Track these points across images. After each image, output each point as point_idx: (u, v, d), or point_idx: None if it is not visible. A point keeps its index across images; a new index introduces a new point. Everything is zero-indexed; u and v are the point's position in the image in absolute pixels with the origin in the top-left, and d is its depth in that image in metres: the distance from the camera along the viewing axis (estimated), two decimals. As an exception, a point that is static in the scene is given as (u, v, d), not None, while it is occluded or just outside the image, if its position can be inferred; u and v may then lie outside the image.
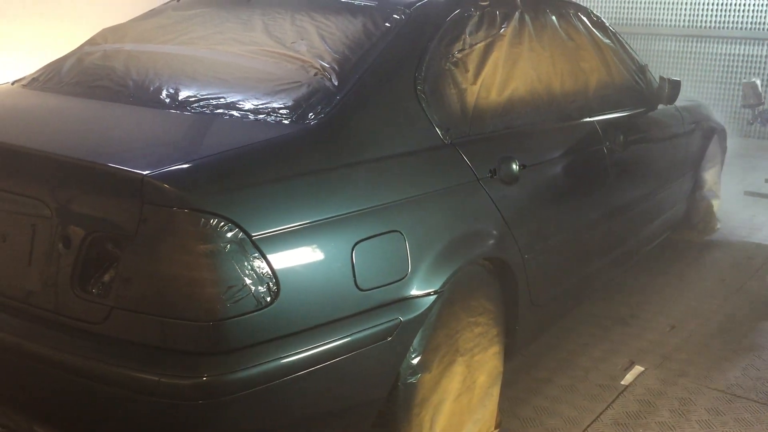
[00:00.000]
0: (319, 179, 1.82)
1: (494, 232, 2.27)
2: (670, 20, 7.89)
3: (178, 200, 1.59)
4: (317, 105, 1.99)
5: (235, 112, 2.01)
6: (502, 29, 2.60)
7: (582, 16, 3.21)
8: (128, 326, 1.63)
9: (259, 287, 1.62)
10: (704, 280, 4.04)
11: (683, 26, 7.83)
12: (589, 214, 2.93)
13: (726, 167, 4.80)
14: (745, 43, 7.53)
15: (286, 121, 1.95)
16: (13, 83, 2.59)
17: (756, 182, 5.88)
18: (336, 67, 2.11)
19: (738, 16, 7.53)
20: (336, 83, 2.06)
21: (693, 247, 4.50)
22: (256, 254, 1.62)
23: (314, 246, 1.73)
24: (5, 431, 1.97)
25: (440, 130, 2.19)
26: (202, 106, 2.06)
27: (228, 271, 1.59)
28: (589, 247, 3.00)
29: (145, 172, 1.61)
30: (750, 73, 7.49)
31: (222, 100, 2.07)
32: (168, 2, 2.90)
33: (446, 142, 2.20)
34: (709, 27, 7.69)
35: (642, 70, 3.53)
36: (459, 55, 2.38)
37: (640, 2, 8.03)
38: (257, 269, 1.62)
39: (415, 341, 1.97)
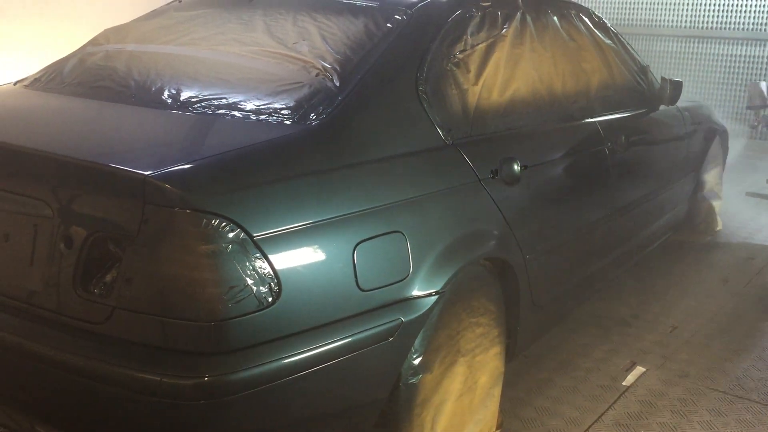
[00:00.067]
0: (321, 180, 1.82)
1: (496, 232, 2.27)
2: (672, 21, 7.89)
3: (180, 200, 1.59)
4: (319, 105, 1.99)
5: (236, 113, 2.01)
6: (504, 30, 2.60)
7: (583, 17, 3.21)
8: (130, 326, 1.63)
9: (261, 287, 1.62)
10: (706, 281, 4.04)
11: (685, 27, 7.83)
12: (590, 214, 2.93)
13: (727, 168, 4.80)
14: (746, 44, 7.53)
15: (287, 122, 1.95)
16: (15, 83, 2.60)
17: (757, 183, 5.87)
18: (338, 68, 2.11)
19: (740, 17, 7.53)
20: (337, 84, 2.06)
21: (694, 248, 4.50)
22: (258, 254, 1.62)
23: (316, 246, 1.73)
24: (7, 431, 1.97)
25: (442, 131, 2.19)
26: (204, 107, 2.06)
27: (229, 272, 1.59)
28: (591, 248, 3.00)
29: (146, 173, 1.61)
30: (751, 74, 7.48)
31: (224, 100, 2.07)
32: (170, 3, 2.91)
33: (448, 142, 2.20)
34: (711, 28, 7.69)
35: (643, 70, 3.53)
36: (460, 56, 2.38)
37: (642, 3, 8.02)
38: (259, 269, 1.62)
39: (417, 342, 1.97)
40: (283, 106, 2.00)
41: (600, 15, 3.39)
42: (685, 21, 7.82)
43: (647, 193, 3.44)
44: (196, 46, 2.43)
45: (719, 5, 7.60)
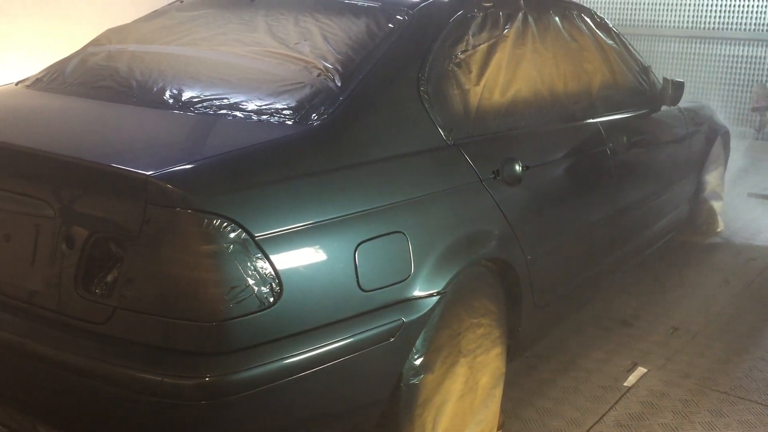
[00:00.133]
0: (322, 180, 1.82)
1: (497, 233, 2.27)
2: (674, 21, 7.88)
3: (182, 201, 1.59)
4: (320, 106, 1.99)
5: (238, 113, 2.01)
6: (506, 30, 2.60)
7: (585, 17, 3.21)
8: (131, 326, 1.63)
9: (262, 288, 1.62)
10: (707, 282, 4.03)
11: (687, 27, 7.82)
12: (592, 215, 2.92)
13: (729, 169, 4.79)
14: (748, 45, 7.52)
15: (289, 122, 1.95)
16: (17, 84, 2.60)
17: (759, 184, 5.88)
18: (339, 68, 2.11)
19: (742, 18, 7.52)
20: (339, 84, 2.06)
21: (696, 249, 4.49)
22: (259, 255, 1.62)
23: (317, 247, 1.73)
24: (8, 431, 1.97)
25: (443, 131, 2.19)
26: (206, 107, 2.06)
27: (231, 272, 1.59)
28: (592, 249, 3.00)
29: (148, 173, 1.61)
30: (753, 75, 7.48)
31: (225, 100, 2.07)
32: (171, 3, 2.91)
33: (449, 143, 2.20)
34: (713, 28, 7.68)
35: (645, 71, 3.53)
36: (462, 56, 2.38)
37: (644, 3, 8.02)
38: (260, 270, 1.62)
39: (418, 342, 1.97)
40: (285, 107, 2.00)
41: (602, 15, 3.39)
42: (687, 21, 7.82)
43: (649, 194, 3.44)
44: (198, 47, 2.43)
45: (721, 6, 7.60)
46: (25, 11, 5.00)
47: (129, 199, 1.63)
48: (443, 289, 1.99)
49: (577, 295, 3.01)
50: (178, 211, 1.59)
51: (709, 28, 7.71)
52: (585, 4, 3.52)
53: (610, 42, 3.31)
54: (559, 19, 2.98)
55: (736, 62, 7.62)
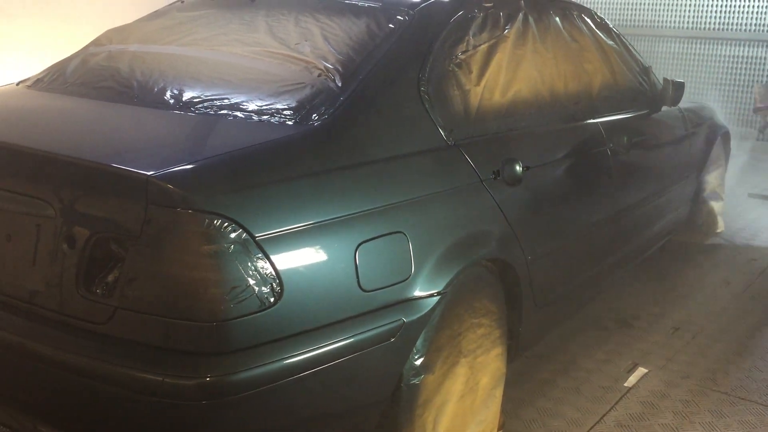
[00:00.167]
0: (323, 180, 1.82)
1: (497, 233, 2.27)
2: (674, 22, 7.89)
3: (183, 201, 1.59)
4: (321, 106, 1.99)
5: (239, 113, 2.01)
6: (506, 31, 2.60)
7: (586, 18, 3.21)
8: (132, 326, 1.63)
9: (263, 288, 1.62)
10: (707, 282, 4.03)
11: (687, 28, 7.82)
12: (592, 215, 2.93)
13: (729, 169, 4.79)
14: (749, 45, 7.52)
15: (289, 122, 1.95)
16: (18, 84, 2.60)
17: (760, 184, 5.88)
18: (340, 69, 2.11)
19: (742, 18, 7.52)
20: (340, 84, 2.06)
21: (696, 249, 4.49)
22: (260, 255, 1.62)
23: (318, 247, 1.73)
24: (9, 431, 1.97)
25: (444, 132, 2.19)
26: (206, 107, 2.06)
27: (232, 272, 1.59)
28: (593, 249, 3.00)
29: (149, 173, 1.61)
30: (754, 75, 7.48)
31: (226, 101, 2.07)
32: (172, 3, 2.91)
33: (450, 143, 2.20)
34: (714, 29, 7.68)
35: (646, 71, 3.53)
36: (462, 57, 2.38)
37: (644, 4, 8.02)
38: (261, 270, 1.62)
39: (418, 342, 1.97)
40: (286, 107, 2.00)
41: (602, 16, 3.39)
42: (688, 22, 7.82)
43: (649, 194, 3.44)
44: (199, 47, 2.43)
45: (722, 6, 7.60)
46: (25, 11, 5.01)
47: (130, 199, 1.64)
48: (444, 289, 1.99)
49: (578, 295, 3.01)
50: (179, 211, 1.59)
51: (709, 29, 7.71)
52: (585, 5, 3.52)
53: (611, 42, 3.31)
54: (559, 19, 2.98)
55: (737, 63, 7.62)
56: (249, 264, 1.61)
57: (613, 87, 3.21)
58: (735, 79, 7.62)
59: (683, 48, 7.86)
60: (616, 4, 8.17)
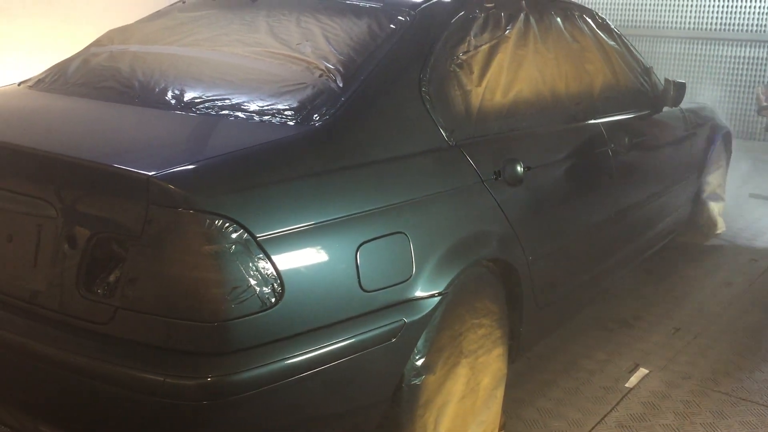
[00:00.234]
0: (324, 180, 1.82)
1: (498, 233, 2.27)
2: (676, 22, 7.88)
3: (184, 201, 1.60)
4: (322, 106, 1.99)
5: (240, 114, 2.02)
6: (507, 31, 2.60)
7: (587, 18, 3.21)
8: (133, 327, 1.63)
9: (264, 288, 1.62)
10: (709, 283, 4.03)
11: (689, 28, 7.81)
12: (593, 216, 2.93)
13: (731, 170, 4.79)
14: (750, 46, 7.51)
15: (291, 123, 1.95)
16: (19, 84, 2.60)
17: (761, 185, 5.87)
18: (341, 69, 2.11)
19: (744, 19, 7.51)
20: (341, 85, 2.06)
21: (697, 250, 4.49)
22: (261, 255, 1.62)
23: (319, 247, 1.73)
24: (10, 431, 1.97)
25: (445, 132, 2.19)
26: (208, 108, 2.07)
27: (233, 272, 1.59)
28: (594, 250, 3.00)
29: (150, 173, 1.61)
30: (756, 76, 7.47)
31: (227, 101, 2.07)
32: (174, 4, 2.91)
33: (451, 143, 2.20)
34: (715, 29, 7.67)
35: (647, 72, 3.53)
36: (464, 57, 2.38)
37: (646, 4, 8.02)
38: (262, 270, 1.62)
39: (419, 343, 1.97)
40: (287, 107, 2.00)
41: (603, 16, 3.39)
42: (689, 22, 7.81)
43: (650, 195, 3.44)
44: (200, 47, 2.43)
45: (723, 7, 7.59)
46: (26, 11, 5.01)
47: (131, 199, 1.64)
48: (445, 289, 1.99)
49: (579, 295, 3.01)
50: (180, 211, 1.59)
51: (711, 29, 7.70)
52: (587, 5, 3.52)
53: (612, 43, 3.31)
54: (560, 19, 2.98)
55: (739, 63, 7.61)
56: (250, 264, 1.61)
57: (614, 87, 3.21)
58: (737, 80, 7.61)
59: (685, 48, 7.86)
60: (618, 4, 8.17)
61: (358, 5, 2.44)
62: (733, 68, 7.63)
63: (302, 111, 1.98)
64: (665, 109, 3.57)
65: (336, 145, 1.91)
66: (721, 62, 7.68)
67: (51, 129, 2.08)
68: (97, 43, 2.67)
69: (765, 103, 5.76)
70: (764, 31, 7.44)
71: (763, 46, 7.46)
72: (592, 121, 2.97)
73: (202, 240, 1.58)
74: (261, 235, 1.63)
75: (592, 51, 3.13)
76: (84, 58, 2.54)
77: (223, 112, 2.04)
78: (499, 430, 2.41)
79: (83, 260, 1.68)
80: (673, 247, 4.25)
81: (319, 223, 1.74)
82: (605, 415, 2.68)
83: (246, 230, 1.61)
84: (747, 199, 5.58)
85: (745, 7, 7.49)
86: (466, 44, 2.41)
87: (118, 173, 1.66)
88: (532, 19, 2.76)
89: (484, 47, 2.47)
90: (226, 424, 1.63)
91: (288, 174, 1.76)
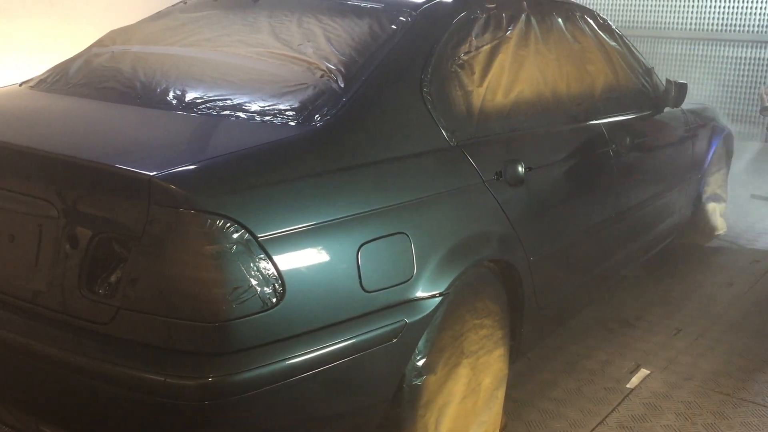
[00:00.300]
0: (325, 181, 1.82)
1: (500, 234, 2.27)
2: (677, 23, 7.87)
3: (185, 201, 1.60)
4: (323, 107, 1.99)
5: (241, 114, 2.02)
6: (509, 31, 2.60)
7: (588, 19, 3.21)
8: (134, 327, 1.63)
9: (265, 288, 1.62)
10: (710, 284, 4.03)
11: (690, 29, 7.81)
12: (594, 216, 2.92)
13: (732, 171, 4.79)
14: (752, 47, 7.51)
15: (292, 123, 1.96)
16: (21, 84, 2.60)
17: (763, 186, 5.86)
18: (342, 69, 2.11)
19: (745, 19, 7.51)
20: (342, 85, 2.06)
21: (699, 250, 4.49)
22: (262, 255, 1.63)
23: (320, 247, 1.73)
24: (12, 431, 1.98)
25: (446, 132, 2.19)
26: (209, 108, 2.07)
27: (234, 272, 1.59)
28: (595, 250, 3.00)
29: (152, 173, 1.61)
30: (757, 77, 7.46)
31: (228, 101, 2.07)
32: (175, 4, 2.91)
33: (452, 144, 2.20)
34: (716, 30, 7.67)
35: (648, 73, 3.53)
36: (465, 57, 2.38)
37: (647, 5, 8.01)
38: (263, 270, 1.62)
39: (420, 343, 1.97)
40: (288, 108, 2.00)
41: (605, 17, 3.39)
42: (691, 23, 7.81)
43: (652, 196, 3.43)
44: (202, 48, 2.43)
45: (724, 7, 7.59)
46: (26, 11, 5.01)
47: (132, 199, 1.64)
48: (446, 290, 1.99)
49: (580, 296, 3.01)
50: (182, 211, 1.59)
51: (712, 30, 7.70)
52: (588, 6, 3.52)
53: (613, 43, 3.31)
54: (562, 20, 2.98)
55: (740, 64, 7.60)
56: (251, 264, 1.61)
57: (615, 88, 3.21)
58: (739, 81, 7.60)
59: (686, 49, 7.85)
60: (619, 5, 8.17)
61: (360, 6, 2.44)
62: (735, 69, 7.63)
63: (303, 111, 1.98)
64: (666, 109, 3.57)
65: (337, 146, 1.91)
66: (722, 63, 7.68)
67: (53, 129, 2.08)
68: (98, 43, 2.67)
69: (766, 105, 5.75)
70: (766, 31, 7.44)
71: (765, 47, 7.45)
72: (594, 122, 2.97)
73: (204, 240, 1.58)
74: (262, 236, 1.63)
75: (594, 52, 3.13)
76: (85, 58, 2.55)
77: (225, 112, 2.04)
78: (500, 430, 2.41)
79: (84, 260, 1.68)
80: (675, 248, 4.24)
81: (321, 224, 1.74)
82: (606, 416, 2.68)
83: (247, 230, 1.61)
84: (748, 200, 5.57)
85: (746, 7, 7.48)
86: (468, 45, 2.41)
87: (120, 173, 1.67)
88: (533, 20, 2.76)
89: (485, 48, 2.47)
90: (226, 424, 1.63)
91: (289, 174, 1.76)
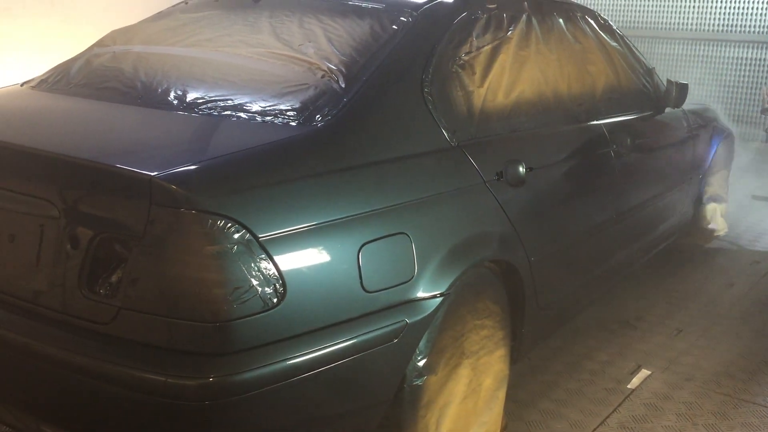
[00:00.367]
0: (326, 181, 1.82)
1: (500, 234, 2.27)
2: (678, 24, 7.87)
3: (186, 201, 1.60)
4: (324, 107, 1.99)
5: (242, 114, 2.02)
6: (510, 32, 2.60)
7: (589, 19, 3.21)
8: (135, 327, 1.63)
9: (266, 288, 1.62)
10: (711, 284, 4.03)
11: (691, 30, 7.81)
12: (595, 217, 2.92)
13: (734, 171, 4.78)
14: (753, 47, 7.51)
15: (293, 123, 1.96)
16: (22, 84, 2.61)
17: (764, 186, 5.86)
18: (343, 70, 2.11)
19: (747, 20, 7.51)
20: (343, 85, 2.06)
21: (700, 251, 4.49)
22: (263, 255, 1.63)
23: (321, 247, 1.73)
24: (12, 431, 1.98)
25: (447, 133, 2.19)
26: (210, 108, 2.07)
27: (235, 273, 1.59)
28: (596, 251, 2.99)
29: (153, 174, 1.61)
30: (759, 77, 7.46)
31: (229, 101, 2.07)
32: (176, 4, 2.91)
33: (453, 144, 2.20)
34: (717, 30, 7.67)
35: (649, 73, 3.53)
36: (466, 58, 2.38)
37: (648, 5, 8.01)
38: (264, 270, 1.62)
39: (421, 343, 1.97)
40: (289, 108, 2.00)
41: (606, 17, 3.39)
42: (692, 24, 7.81)
43: (653, 196, 3.43)
44: (203, 48, 2.43)
45: (725, 8, 7.59)
46: (26, 11, 5.01)
47: (133, 199, 1.64)
48: (447, 290, 1.99)
49: (581, 297, 3.01)
50: (183, 211, 1.59)
51: (713, 31, 7.69)
52: (589, 6, 3.52)
53: (614, 44, 3.31)
54: (562, 21, 2.98)
55: (741, 65, 7.60)
56: (252, 264, 1.61)
57: (616, 89, 3.21)
58: (740, 81, 7.60)
59: (687, 50, 7.85)
60: (620, 5, 8.16)
61: (361, 6, 2.44)
62: (736, 69, 7.63)
63: (304, 112, 1.98)
64: (667, 110, 3.57)
65: (338, 146, 1.91)
66: (723, 63, 7.68)
67: (54, 129, 2.08)
68: (99, 43, 2.68)
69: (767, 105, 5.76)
70: (767, 32, 7.43)
71: (766, 48, 7.45)
72: (595, 122, 2.97)
73: (205, 240, 1.58)
74: (263, 236, 1.63)
75: (595, 52, 3.12)
76: (87, 58, 2.55)
77: (226, 112, 2.04)
78: (501, 431, 2.41)
79: (85, 260, 1.68)
80: (676, 248, 4.24)
81: (321, 224, 1.74)
82: (607, 417, 2.68)
83: (248, 230, 1.61)
84: (750, 201, 5.57)
85: (747, 8, 7.48)
86: (469, 45, 2.41)
87: (121, 173, 1.67)
88: (534, 20, 2.76)
89: (486, 48, 2.47)
90: (227, 424, 1.63)
91: (290, 174, 1.76)
